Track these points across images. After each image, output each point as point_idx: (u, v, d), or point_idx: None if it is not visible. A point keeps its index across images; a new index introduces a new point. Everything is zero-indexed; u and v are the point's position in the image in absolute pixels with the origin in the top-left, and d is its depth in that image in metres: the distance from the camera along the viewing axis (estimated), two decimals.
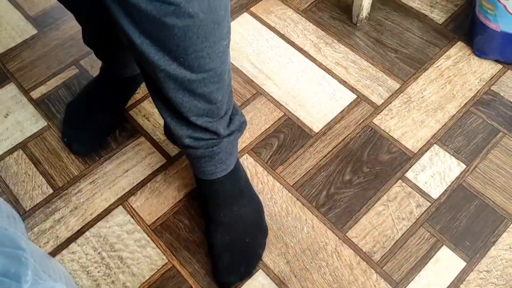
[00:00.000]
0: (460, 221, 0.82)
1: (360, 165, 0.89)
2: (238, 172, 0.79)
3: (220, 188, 0.77)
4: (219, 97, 0.65)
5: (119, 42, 0.87)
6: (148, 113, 0.98)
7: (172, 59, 0.58)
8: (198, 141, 0.70)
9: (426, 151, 0.90)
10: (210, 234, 0.79)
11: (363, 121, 0.94)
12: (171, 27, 0.53)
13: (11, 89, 1.03)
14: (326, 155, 0.90)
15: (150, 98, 1.00)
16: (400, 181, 0.87)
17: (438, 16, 1.08)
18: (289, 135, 0.93)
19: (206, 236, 0.81)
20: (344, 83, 0.99)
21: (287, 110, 0.96)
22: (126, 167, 0.91)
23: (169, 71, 0.59)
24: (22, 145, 0.95)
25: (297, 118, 0.95)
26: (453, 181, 0.86)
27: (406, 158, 0.89)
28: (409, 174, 0.87)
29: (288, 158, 0.90)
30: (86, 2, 0.79)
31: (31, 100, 1.01)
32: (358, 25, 1.07)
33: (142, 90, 1.01)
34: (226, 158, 0.75)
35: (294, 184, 0.87)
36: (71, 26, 1.12)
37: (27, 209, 0.87)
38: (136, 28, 0.55)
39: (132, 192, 0.88)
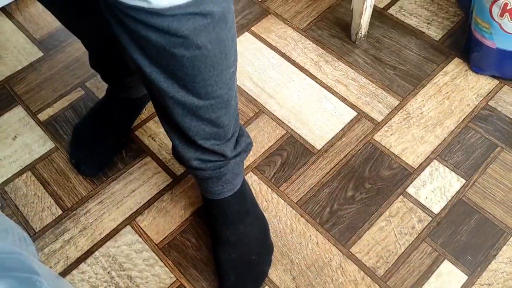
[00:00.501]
0: (461, 235, 0.84)
1: (362, 182, 0.91)
2: (244, 191, 0.81)
3: (227, 207, 0.79)
4: (226, 121, 0.67)
5: (125, 66, 0.90)
6: (153, 133, 1.00)
7: (180, 87, 0.60)
8: (205, 163, 0.73)
9: (426, 166, 0.92)
10: (217, 253, 0.81)
11: (364, 137, 0.96)
12: (180, 58, 0.56)
13: (18, 111, 1.05)
14: (328, 172, 0.92)
15: (155, 118, 1.02)
16: (401, 196, 0.89)
17: (435, 33, 1.11)
18: (292, 152, 0.95)
19: (213, 255, 0.83)
20: (344, 100, 1.02)
21: (290, 128, 0.99)
22: (133, 187, 0.93)
23: (177, 98, 0.61)
24: (31, 167, 0.97)
25: (300, 136, 0.97)
26: (453, 196, 0.88)
27: (407, 174, 0.91)
28: (410, 190, 0.89)
29: (292, 176, 0.92)
30: (92, 29, 0.81)
31: (38, 122, 1.03)
32: (357, 43, 1.10)
33: (147, 110, 1.03)
34: (233, 178, 0.77)
35: (298, 201, 0.89)
36: (76, 49, 1.15)
37: (37, 230, 0.89)
38: (146, 58, 0.57)
39: (140, 211, 0.90)
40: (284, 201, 0.89)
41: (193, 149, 0.70)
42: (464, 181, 0.90)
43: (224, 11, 0.54)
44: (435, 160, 0.92)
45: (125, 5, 0.50)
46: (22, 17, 1.22)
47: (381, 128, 0.97)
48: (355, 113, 1.00)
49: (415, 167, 0.92)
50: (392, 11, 1.16)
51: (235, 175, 0.77)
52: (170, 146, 0.98)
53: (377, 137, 0.96)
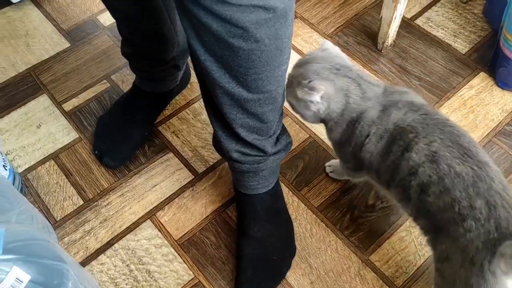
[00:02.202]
0: None
1: None
2: (277, 190, 0.82)
3: (259, 203, 0.79)
4: (270, 117, 0.68)
5: (156, 57, 0.90)
6: (177, 130, 1.01)
7: (232, 78, 0.61)
8: (245, 156, 0.73)
9: None
10: (241, 247, 0.81)
11: None
12: (237, 49, 0.56)
13: (43, 100, 1.06)
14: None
15: (179, 115, 1.03)
16: None
17: (461, 46, 1.11)
18: (314, 157, 0.96)
19: (236, 248, 0.83)
20: None
21: (312, 132, 0.99)
22: (155, 182, 0.94)
23: (227, 88, 0.62)
24: (54, 156, 0.97)
25: (322, 141, 0.97)
26: None
27: None
28: None
29: (313, 180, 0.93)
30: (136, 12, 0.81)
31: (63, 112, 1.04)
32: (383, 51, 1.10)
33: (171, 107, 1.04)
34: (269, 175, 0.77)
35: (318, 205, 0.89)
36: (103, 41, 1.16)
37: (58, 219, 0.89)
38: (202, 45, 0.58)
39: (160, 206, 0.90)
40: (305, 205, 0.90)
41: (235, 141, 0.71)
42: None
43: (286, 8, 0.55)
44: None
45: None
46: (50, 7, 1.23)
47: None
48: None
49: None
50: (419, 21, 1.16)
51: (272, 172, 0.77)
52: (193, 144, 0.98)
53: None
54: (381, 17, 1.05)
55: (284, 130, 0.77)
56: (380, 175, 0.71)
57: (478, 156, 0.62)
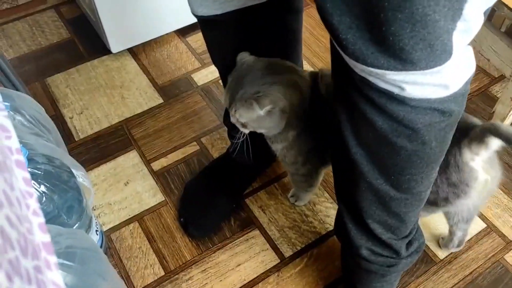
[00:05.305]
0: None
1: None
2: None
3: None
4: (412, 218, 0.63)
5: (259, 134, 0.87)
6: (264, 205, 0.96)
7: (382, 175, 0.56)
8: (376, 256, 0.67)
9: None
10: None
11: (493, 255, 0.88)
12: (399, 148, 0.52)
13: (133, 156, 1.05)
14: None
15: (267, 189, 0.99)
16: None
17: None
18: None
19: None
20: None
21: None
22: (238, 261, 0.89)
23: (374, 184, 0.57)
24: (139, 218, 0.95)
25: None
26: None
27: None
28: None
29: (410, 283, 0.85)
30: None
31: (151, 171, 1.02)
32: None
33: (260, 179, 1.00)
34: (395, 280, 0.71)
35: None
36: (195, 101, 1.15)
37: None
38: (357, 139, 0.54)
39: None
40: None
41: (366, 237, 0.66)
42: None
43: (460, 111, 0.51)
44: None
45: (374, 86, 0.47)
46: (147, 60, 1.25)
47: None
48: (484, 225, 0.92)
49: None
50: None
51: (398, 276, 0.71)
52: (280, 223, 0.94)
53: (508, 257, 0.87)
54: (493, 112, 0.99)
55: (417, 230, 0.71)
56: None
57: None
